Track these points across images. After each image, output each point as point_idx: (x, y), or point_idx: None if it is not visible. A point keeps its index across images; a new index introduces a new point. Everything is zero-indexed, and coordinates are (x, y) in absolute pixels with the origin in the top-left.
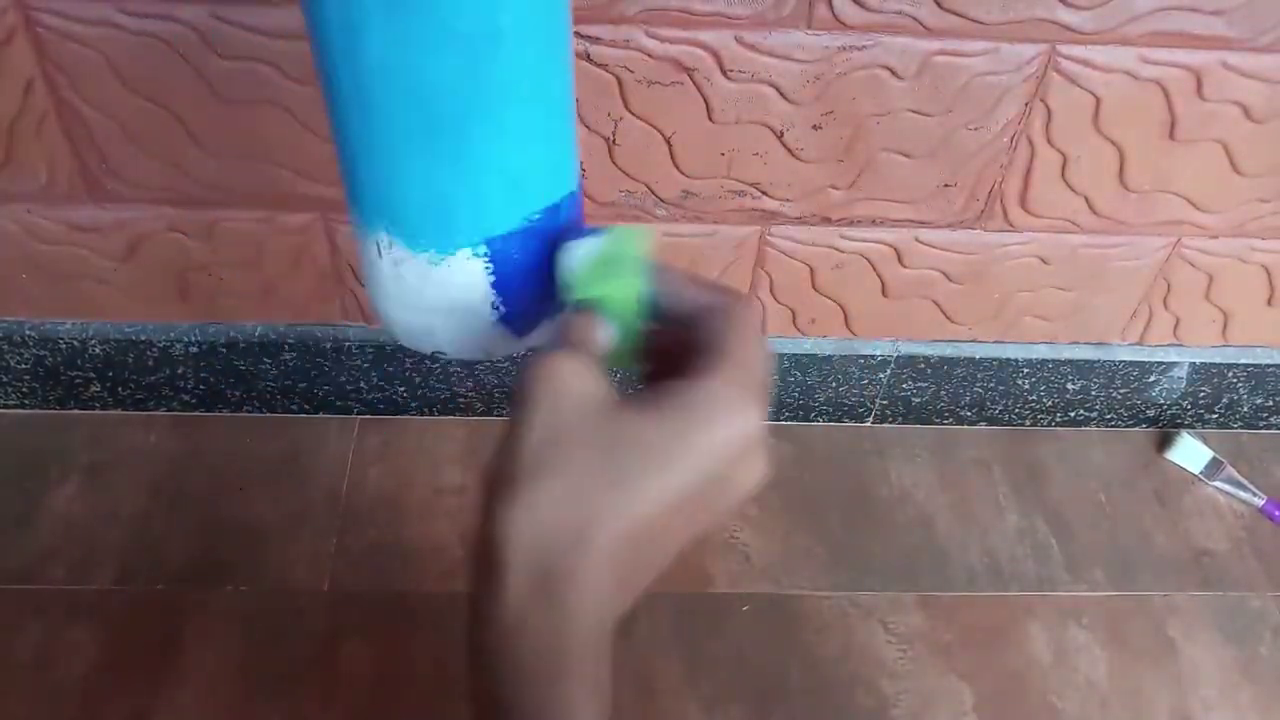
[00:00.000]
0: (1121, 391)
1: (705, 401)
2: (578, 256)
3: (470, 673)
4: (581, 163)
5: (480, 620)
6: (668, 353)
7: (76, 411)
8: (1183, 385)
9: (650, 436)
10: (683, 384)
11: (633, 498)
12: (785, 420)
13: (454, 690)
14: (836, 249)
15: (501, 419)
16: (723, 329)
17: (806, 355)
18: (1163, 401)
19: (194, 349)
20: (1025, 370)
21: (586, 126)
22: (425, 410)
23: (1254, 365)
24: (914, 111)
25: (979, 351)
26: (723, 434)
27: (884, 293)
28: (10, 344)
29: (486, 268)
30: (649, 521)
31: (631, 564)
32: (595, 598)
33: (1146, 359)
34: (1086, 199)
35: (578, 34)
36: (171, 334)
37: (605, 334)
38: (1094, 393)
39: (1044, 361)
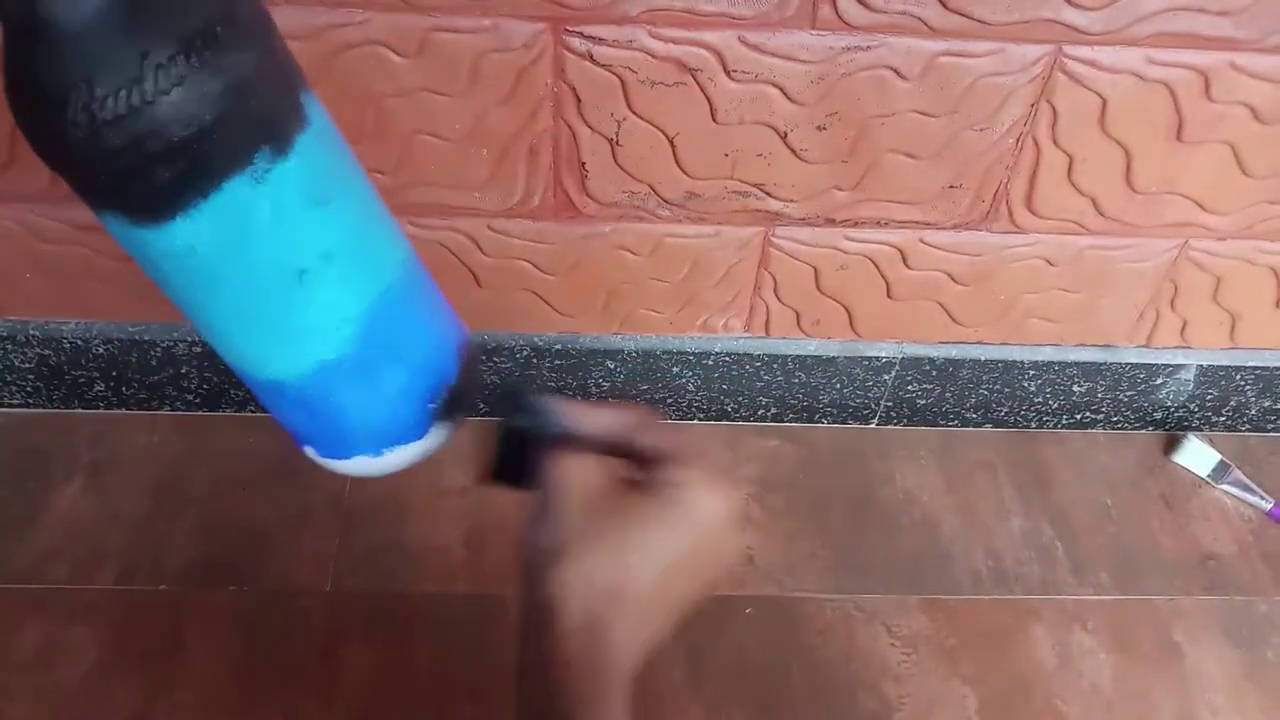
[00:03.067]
0: (1128, 394)
1: (692, 485)
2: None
3: (527, 696)
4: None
5: (541, 657)
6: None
7: (80, 411)
8: (1190, 388)
9: (655, 513)
10: (670, 474)
11: (649, 561)
12: (789, 422)
13: (455, 691)
14: (841, 250)
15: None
16: (668, 441)
17: (811, 357)
18: (1170, 404)
19: (197, 348)
20: (1031, 372)
21: (590, 128)
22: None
23: (1262, 368)
24: (919, 112)
25: (984, 353)
26: (709, 508)
27: (889, 294)
28: (14, 343)
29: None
30: (662, 580)
31: (650, 614)
32: (628, 637)
33: (1153, 361)
34: (1093, 200)
35: (582, 34)
36: (175, 333)
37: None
38: (1100, 395)
39: (1050, 364)
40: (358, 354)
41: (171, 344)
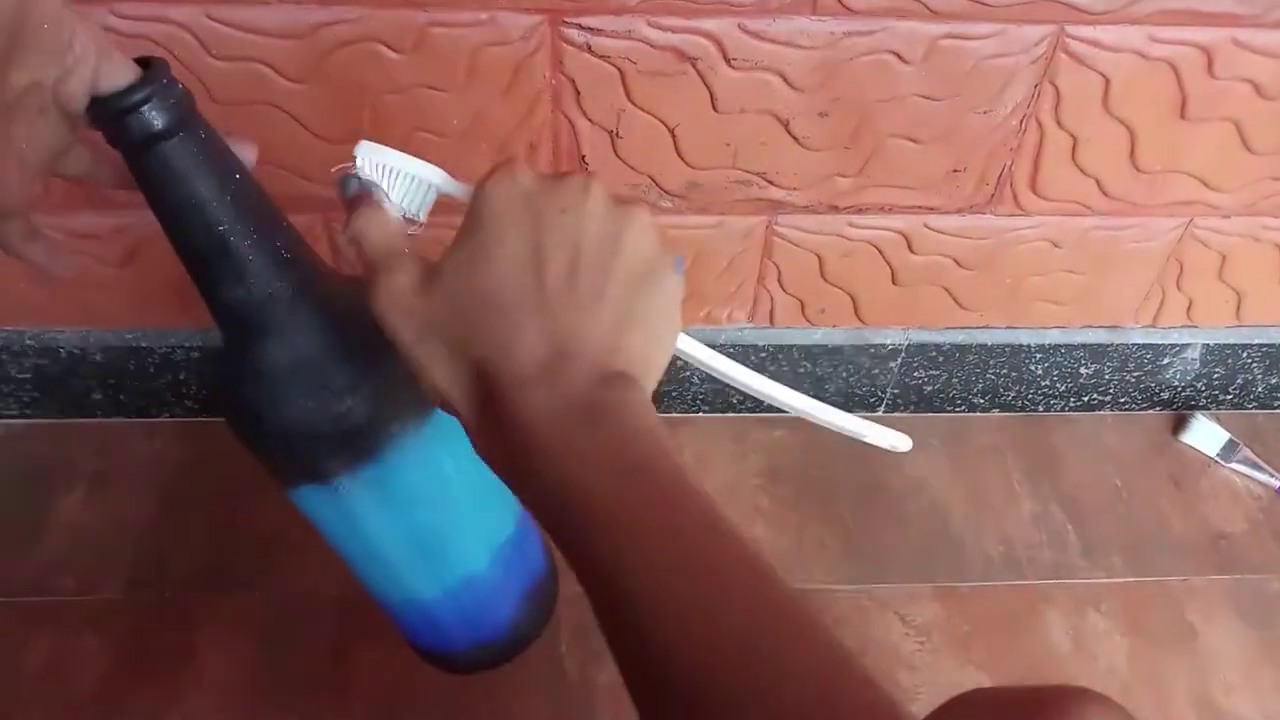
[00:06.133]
0: (1135, 374)
1: (475, 194)
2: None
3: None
4: None
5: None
6: None
7: (79, 420)
8: (1196, 367)
9: (469, 252)
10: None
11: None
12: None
13: (469, 692)
14: (845, 237)
15: None
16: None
17: (816, 346)
18: (1177, 384)
19: (195, 354)
20: (1038, 355)
21: (589, 120)
22: None
23: (1268, 345)
24: (921, 96)
25: (990, 338)
26: (495, 191)
27: (894, 280)
28: (10, 353)
29: None
30: (563, 292)
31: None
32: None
33: (1160, 341)
34: (1097, 181)
35: (580, 26)
36: (173, 340)
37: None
38: (1107, 376)
39: (1056, 346)
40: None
41: (169, 350)
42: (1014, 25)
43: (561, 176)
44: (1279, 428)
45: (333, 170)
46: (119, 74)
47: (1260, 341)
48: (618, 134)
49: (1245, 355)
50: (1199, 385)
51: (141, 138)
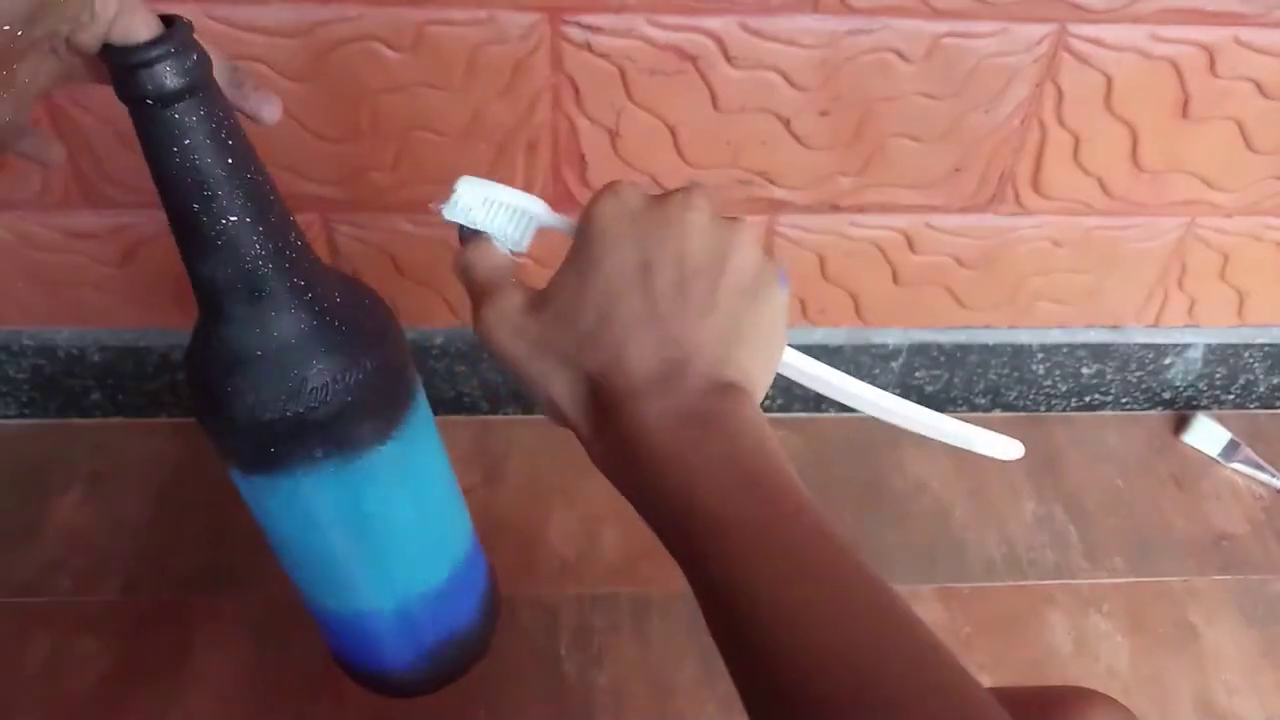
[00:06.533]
0: (1137, 374)
1: (582, 216)
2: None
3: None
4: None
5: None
6: None
7: (77, 420)
8: (1198, 366)
9: (578, 269)
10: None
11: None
12: (797, 411)
13: (466, 693)
14: (846, 237)
15: (507, 417)
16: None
17: (817, 346)
18: (1178, 384)
19: None
20: (1039, 355)
21: (589, 119)
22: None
23: (1270, 345)
24: (923, 95)
25: (992, 337)
26: (602, 211)
27: (895, 280)
28: (8, 353)
29: None
30: (661, 309)
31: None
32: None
33: (1162, 341)
34: (1099, 180)
35: (580, 24)
36: (171, 339)
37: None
38: (1109, 376)
39: (1058, 346)
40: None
41: (167, 350)
42: (1016, 24)
43: (667, 194)
44: None
45: (431, 205)
46: (138, 28)
47: (1262, 341)
48: (618, 133)
49: (1247, 355)
50: (1201, 385)
51: (149, 95)
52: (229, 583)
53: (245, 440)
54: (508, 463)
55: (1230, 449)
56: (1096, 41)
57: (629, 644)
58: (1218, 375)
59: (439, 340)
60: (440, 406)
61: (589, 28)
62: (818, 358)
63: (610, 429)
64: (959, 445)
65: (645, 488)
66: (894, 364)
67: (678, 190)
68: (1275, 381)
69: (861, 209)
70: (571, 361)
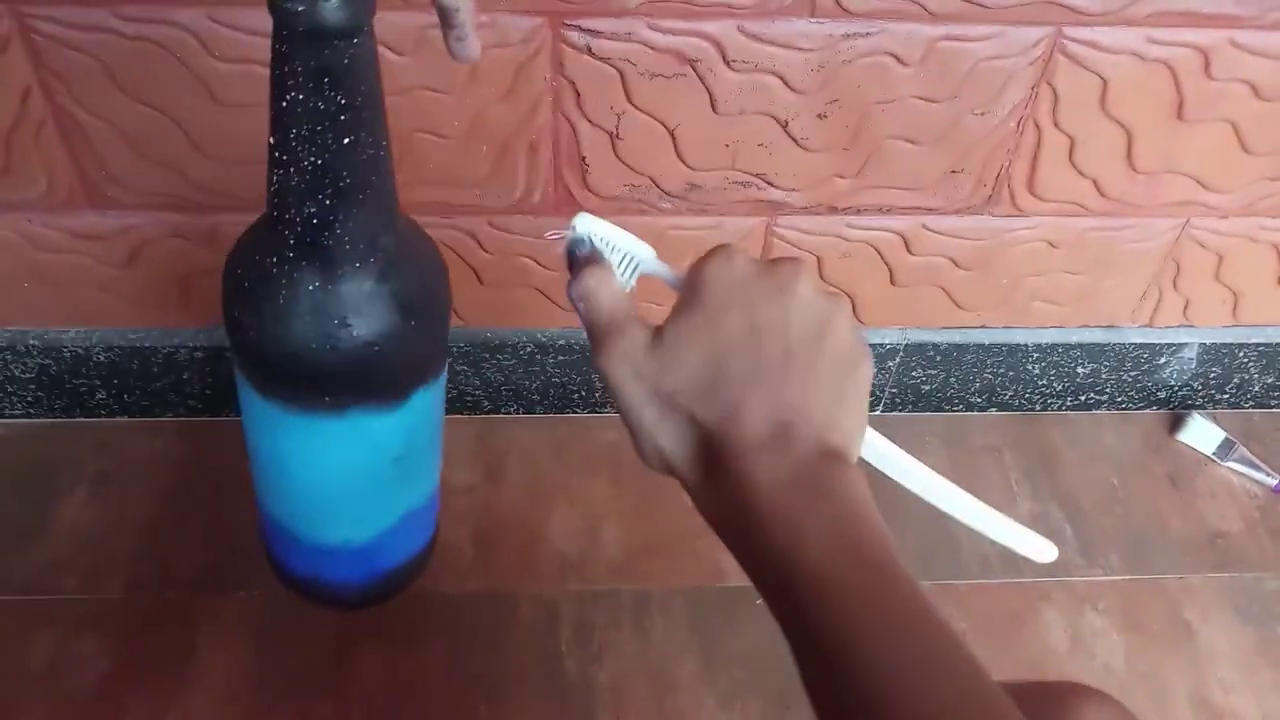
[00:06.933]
0: (1132, 374)
1: (692, 273)
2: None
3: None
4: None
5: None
6: None
7: (82, 420)
8: (1193, 366)
9: (691, 323)
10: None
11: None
12: None
13: (469, 691)
14: (843, 238)
15: (509, 416)
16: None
17: None
18: (1173, 383)
19: (199, 354)
20: (1035, 355)
21: (589, 122)
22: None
23: (1264, 344)
24: (920, 98)
25: (988, 337)
26: (714, 271)
27: (892, 281)
28: (14, 353)
29: None
30: (765, 362)
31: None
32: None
33: (1156, 341)
34: (1094, 182)
35: (580, 28)
36: (176, 340)
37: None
38: (1104, 376)
39: (1054, 346)
40: None
41: (173, 350)
42: (1012, 27)
43: (774, 262)
44: (1275, 426)
45: (547, 235)
46: None
47: (1257, 341)
48: (618, 135)
49: (1242, 355)
50: (1196, 385)
51: (316, 27)
52: (232, 582)
53: (277, 369)
54: (509, 460)
55: (1225, 448)
56: (1092, 44)
57: (629, 640)
58: (1212, 375)
59: None
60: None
61: (589, 31)
62: None
63: (720, 482)
64: (999, 541)
65: (750, 541)
66: (891, 364)
67: (784, 260)
68: (1269, 381)
69: (859, 210)
70: (686, 414)
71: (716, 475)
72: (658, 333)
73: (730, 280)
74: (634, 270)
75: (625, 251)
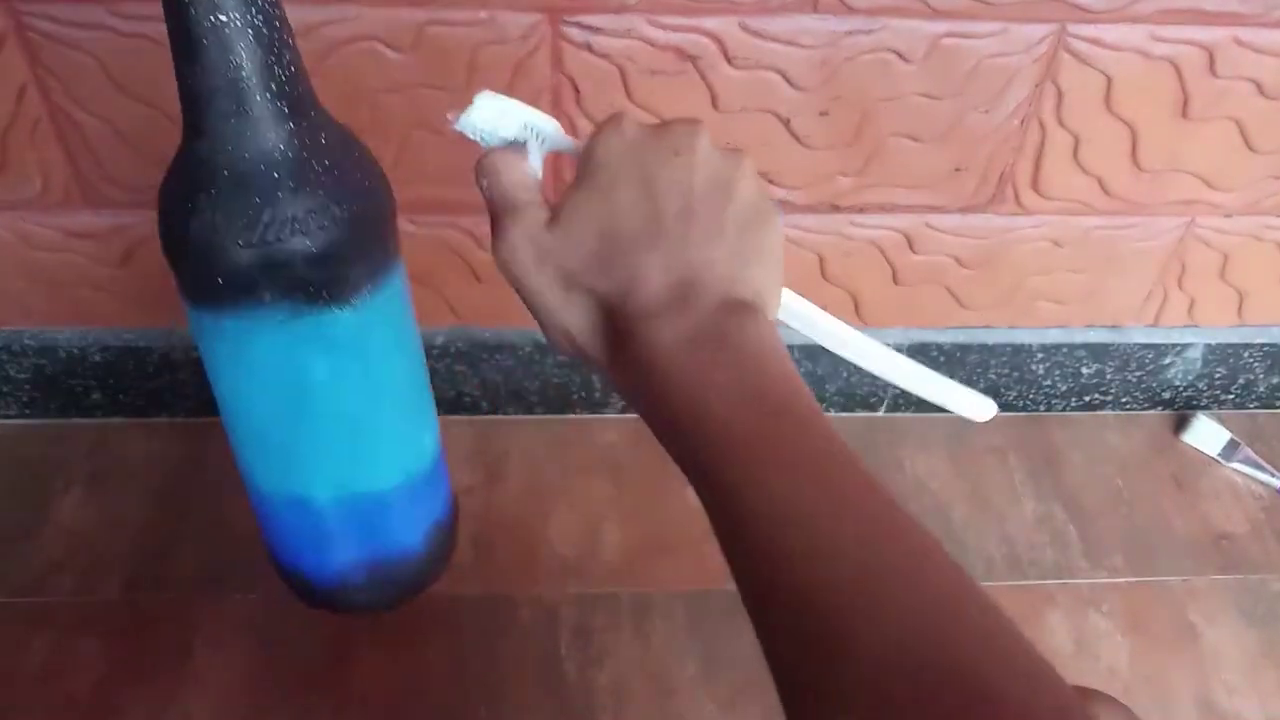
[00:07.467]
0: (1136, 374)
1: (587, 145)
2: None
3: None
4: None
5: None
6: None
7: (78, 420)
8: (1198, 366)
9: (585, 197)
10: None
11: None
12: None
13: (468, 693)
14: (846, 237)
15: (508, 417)
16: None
17: (816, 345)
18: (1178, 383)
19: (194, 354)
20: (1039, 355)
21: (590, 119)
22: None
23: (1270, 344)
24: (923, 95)
25: (992, 337)
26: (606, 141)
27: (895, 280)
28: (9, 354)
29: None
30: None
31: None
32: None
33: (1161, 341)
34: (1099, 180)
35: (580, 24)
36: (171, 339)
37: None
38: (1109, 376)
39: (1058, 346)
40: None
41: (168, 350)
42: (1015, 24)
43: (669, 124)
44: None
45: (448, 115)
46: None
47: (1262, 341)
48: None
49: (1247, 355)
50: (1200, 385)
51: None
52: (229, 583)
53: (196, 267)
54: (508, 462)
55: (1230, 449)
56: (1096, 41)
57: (629, 644)
58: (1217, 375)
59: (440, 340)
60: (441, 406)
61: (589, 28)
62: (818, 357)
63: (627, 352)
64: (937, 401)
65: (661, 407)
66: None
67: (678, 121)
68: (1275, 381)
69: (861, 209)
70: (584, 288)
71: (623, 346)
72: (554, 211)
73: (622, 147)
74: (540, 148)
75: (530, 126)
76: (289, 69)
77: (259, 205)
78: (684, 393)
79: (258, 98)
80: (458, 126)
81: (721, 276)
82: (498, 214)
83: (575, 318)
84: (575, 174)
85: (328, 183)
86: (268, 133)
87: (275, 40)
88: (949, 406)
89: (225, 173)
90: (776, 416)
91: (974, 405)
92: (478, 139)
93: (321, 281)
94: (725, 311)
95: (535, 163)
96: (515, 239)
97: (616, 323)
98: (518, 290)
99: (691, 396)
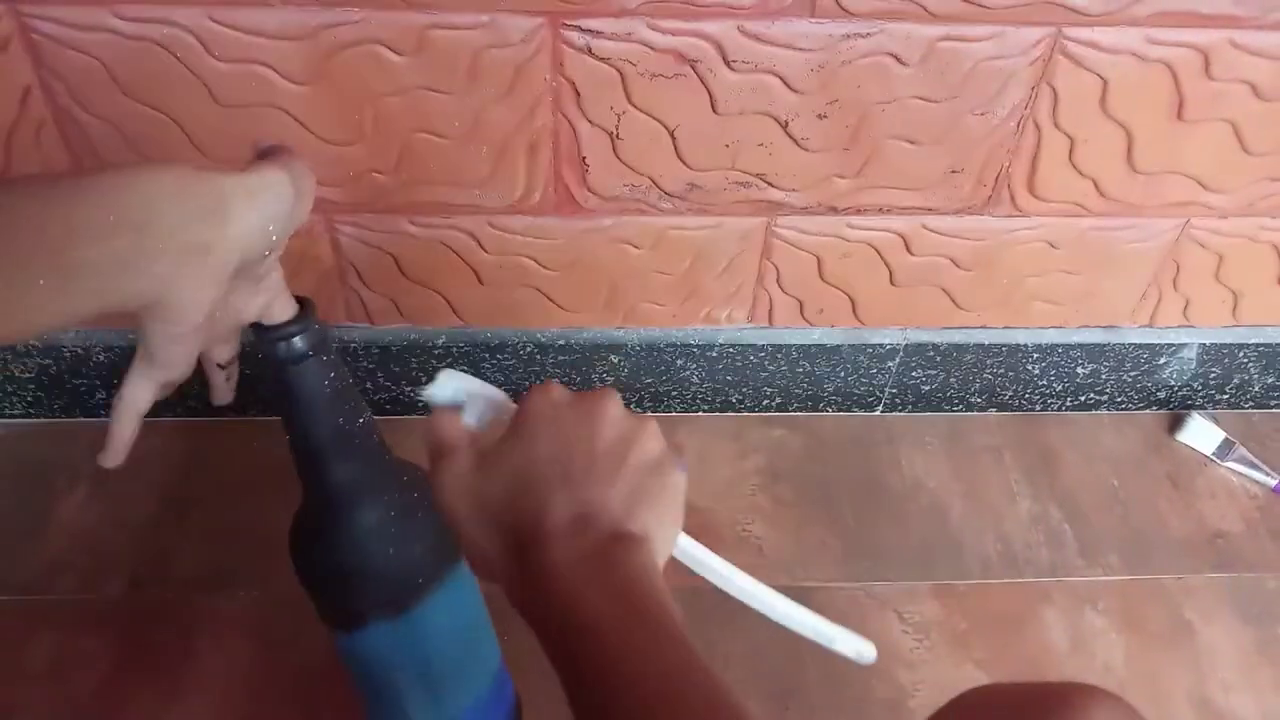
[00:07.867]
0: (1132, 374)
1: (519, 406)
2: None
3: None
4: None
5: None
6: None
7: (82, 420)
8: (1193, 366)
9: (511, 448)
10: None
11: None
12: (795, 412)
13: None
14: (843, 238)
15: None
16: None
17: (815, 345)
18: (1173, 383)
19: None
20: (1035, 355)
21: (589, 122)
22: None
23: (1264, 345)
24: (919, 98)
25: (988, 338)
26: (533, 402)
27: (892, 281)
28: (14, 353)
29: None
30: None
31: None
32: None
33: (1156, 341)
34: (1094, 182)
35: (580, 28)
36: None
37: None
38: (1104, 376)
39: (1054, 346)
40: None
41: None
42: (1012, 27)
43: (587, 393)
44: (1275, 427)
45: (422, 391)
46: (283, 310)
47: (1256, 341)
48: (618, 135)
49: (1241, 355)
50: (1195, 385)
51: (288, 357)
52: (231, 582)
53: (362, 596)
54: None
55: (1225, 448)
56: (1092, 44)
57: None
58: (1212, 375)
59: (441, 340)
60: None
61: (589, 31)
62: (816, 357)
63: (528, 569)
64: (819, 642)
65: (548, 620)
66: (890, 364)
67: (596, 390)
68: (1269, 381)
69: (859, 210)
70: (499, 519)
71: (525, 564)
72: (482, 456)
73: (545, 408)
74: (485, 410)
75: (479, 395)
76: (382, 451)
77: (399, 541)
78: (567, 597)
79: (374, 477)
80: (423, 395)
81: (614, 513)
82: (433, 457)
83: (490, 544)
84: (507, 429)
85: (418, 527)
86: (385, 493)
87: (376, 441)
88: (833, 648)
89: (370, 529)
90: (639, 620)
91: (857, 647)
92: (445, 403)
93: (439, 568)
94: (613, 540)
95: (471, 420)
96: (443, 478)
97: (523, 546)
98: (446, 518)
99: (573, 599)
